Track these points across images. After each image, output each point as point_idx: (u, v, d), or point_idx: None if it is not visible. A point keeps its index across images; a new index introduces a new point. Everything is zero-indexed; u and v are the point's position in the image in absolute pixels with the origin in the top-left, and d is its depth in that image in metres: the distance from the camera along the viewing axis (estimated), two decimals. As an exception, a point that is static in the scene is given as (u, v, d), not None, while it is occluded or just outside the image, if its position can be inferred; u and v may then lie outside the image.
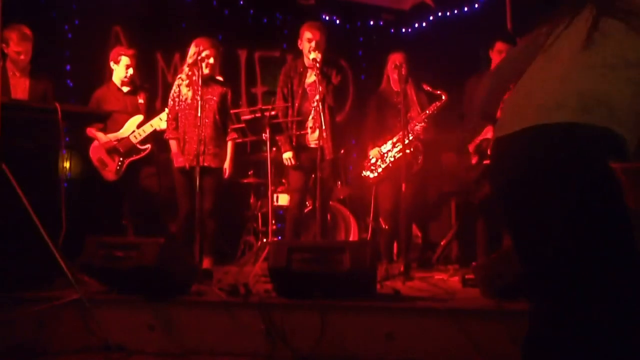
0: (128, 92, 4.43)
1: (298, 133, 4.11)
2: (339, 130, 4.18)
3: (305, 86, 4.12)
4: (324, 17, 6.27)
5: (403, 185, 3.87)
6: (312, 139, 4.07)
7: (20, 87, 4.06)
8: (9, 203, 2.88)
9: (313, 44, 4.00)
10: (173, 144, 4.04)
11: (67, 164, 4.77)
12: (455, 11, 6.23)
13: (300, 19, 4.23)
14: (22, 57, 4.00)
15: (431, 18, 6.44)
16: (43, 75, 4.17)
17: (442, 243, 4.92)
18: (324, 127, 3.83)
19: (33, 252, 3.02)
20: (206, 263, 3.94)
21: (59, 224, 2.98)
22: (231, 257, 5.05)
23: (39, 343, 2.88)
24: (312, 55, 3.93)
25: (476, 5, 6.05)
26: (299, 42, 4.13)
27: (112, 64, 4.40)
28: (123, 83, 4.40)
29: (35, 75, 4.11)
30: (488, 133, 4.15)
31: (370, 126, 4.54)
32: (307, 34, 4.05)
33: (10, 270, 3.10)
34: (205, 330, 2.88)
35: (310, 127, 4.08)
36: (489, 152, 4.11)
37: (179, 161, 3.99)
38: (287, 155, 4.13)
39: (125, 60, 4.35)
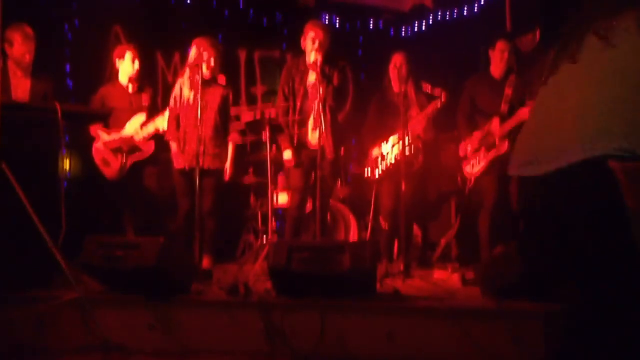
0: (133, 90, 4.44)
1: (299, 132, 4.10)
2: (340, 130, 4.18)
3: (307, 85, 4.11)
4: (323, 17, 6.27)
5: (403, 185, 3.88)
6: (313, 138, 4.07)
7: (21, 88, 4.06)
8: (8, 203, 2.88)
9: (317, 43, 3.98)
10: (173, 144, 4.04)
11: (67, 164, 4.78)
12: (455, 12, 6.24)
13: (300, 20, 4.23)
14: (25, 57, 4.01)
15: (431, 19, 6.45)
16: (44, 75, 4.17)
17: (442, 242, 4.92)
18: (324, 128, 3.83)
19: (33, 251, 3.02)
20: (206, 262, 3.94)
21: (59, 223, 2.98)
22: (231, 257, 5.05)
23: (39, 343, 2.88)
24: (312, 57, 3.91)
25: (475, 7, 6.05)
26: (302, 39, 4.11)
27: (117, 61, 4.41)
28: (131, 80, 4.41)
29: (36, 75, 4.11)
30: (490, 126, 4.16)
31: (370, 126, 4.54)
32: (311, 33, 4.03)
33: (10, 270, 3.10)
34: (205, 330, 2.88)
35: (311, 127, 4.08)
36: (497, 143, 4.11)
37: (178, 162, 3.99)
38: (287, 154, 4.12)
39: (130, 54, 4.37)
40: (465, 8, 6.13)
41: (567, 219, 1.45)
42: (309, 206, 4.74)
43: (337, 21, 6.45)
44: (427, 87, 4.18)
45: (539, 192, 1.54)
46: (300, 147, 4.12)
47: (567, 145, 1.44)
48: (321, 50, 3.97)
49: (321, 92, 3.92)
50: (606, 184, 1.36)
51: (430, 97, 4.24)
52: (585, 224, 1.41)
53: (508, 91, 4.15)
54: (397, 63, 4.28)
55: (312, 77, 4.08)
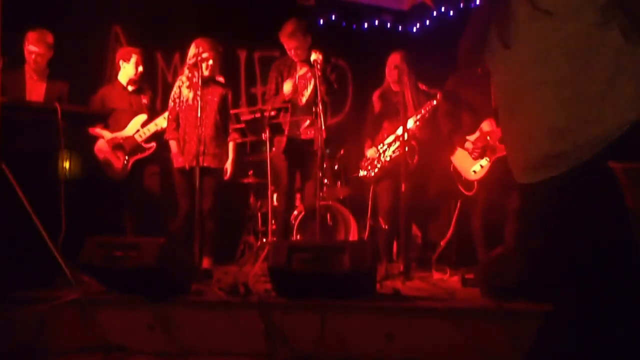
0: (133, 91, 4.44)
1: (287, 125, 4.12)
2: (333, 128, 4.20)
3: (296, 78, 4.13)
4: (323, 18, 6.27)
5: (402, 185, 3.87)
6: (302, 130, 4.09)
7: (36, 91, 4.14)
8: (9, 203, 2.88)
9: (292, 51, 4.03)
10: (173, 144, 4.05)
11: (67, 164, 4.77)
12: (456, 11, 6.24)
13: (301, 19, 4.22)
14: (33, 57, 4.11)
15: (431, 18, 6.45)
16: (59, 79, 4.26)
17: (441, 243, 4.91)
18: (319, 124, 3.83)
19: (33, 252, 3.02)
20: (206, 263, 3.94)
21: (59, 224, 2.98)
22: (231, 257, 5.05)
23: (39, 343, 2.88)
24: (313, 57, 3.90)
25: (477, 1, 6.05)
26: None
27: (121, 62, 4.43)
28: (130, 82, 4.41)
29: (52, 79, 4.20)
30: (485, 127, 4.12)
31: (368, 126, 4.54)
32: (286, 45, 4.07)
33: (10, 270, 3.10)
34: (205, 330, 2.88)
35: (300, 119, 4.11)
36: (497, 145, 4.06)
37: (178, 162, 3.99)
38: (288, 86, 4.10)
39: (135, 58, 4.39)
40: (466, 6, 6.13)
41: (568, 221, 1.45)
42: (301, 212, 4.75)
43: (337, 21, 6.45)
44: (423, 87, 4.16)
45: (538, 195, 1.54)
46: (289, 142, 4.13)
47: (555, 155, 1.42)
48: (304, 49, 3.98)
49: (316, 87, 3.91)
50: (605, 185, 1.36)
51: (428, 97, 4.23)
52: (585, 225, 1.41)
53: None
54: (395, 62, 4.27)
55: (301, 70, 4.10)
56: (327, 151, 4.21)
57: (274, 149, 4.15)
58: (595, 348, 1.39)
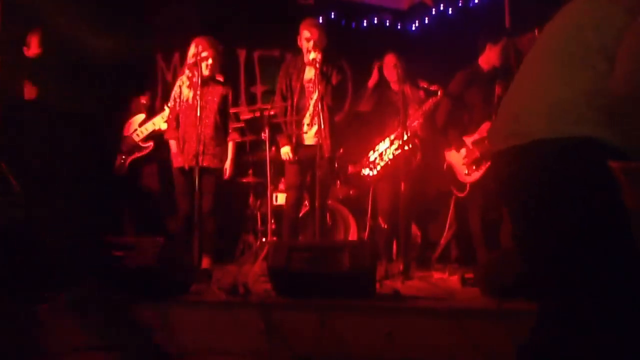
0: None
1: (296, 131, 4.10)
2: (338, 129, 4.17)
3: (304, 82, 4.11)
4: (323, 17, 6.26)
5: (402, 184, 3.86)
6: (310, 135, 4.07)
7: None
8: (8, 202, 2.89)
9: (311, 43, 3.97)
10: (173, 144, 4.04)
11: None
12: (455, 10, 6.23)
13: (300, 19, 4.22)
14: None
15: (429, 17, 6.44)
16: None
17: (441, 242, 4.91)
18: (322, 127, 3.83)
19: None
20: (205, 263, 3.94)
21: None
22: (230, 257, 5.05)
23: (39, 343, 2.88)
24: (312, 55, 3.92)
25: (476, 0, 6.04)
26: (298, 39, 4.12)
27: None
28: None
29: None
30: (486, 130, 4.10)
31: (368, 125, 4.52)
32: (306, 33, 4.03)
33: (10, 270, 3.10)
34: (205, 330, 2.88)
35: (307, 124, 4.08)
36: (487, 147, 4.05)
37: (178, 161, 3.99)
38: (285, 150, 4.10)
39: None
40: (465, 5, 6.12)
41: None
42: (306, 207, 4.73)
43: (337, 20, 6.45)
44: (424, 84, 4.14)
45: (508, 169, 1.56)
46: (297, 145, 4.11)
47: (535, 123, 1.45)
48: (318, 49, 3.97)
49: (320, 90, 3.91)
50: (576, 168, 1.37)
51: (428, 94, 4.21)
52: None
53: (498, 90, 4.06)
54: (392, 62, 4.26)
55: (309, 73, 4.08)
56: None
57: (289, 152, 4.11)
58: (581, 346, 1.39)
